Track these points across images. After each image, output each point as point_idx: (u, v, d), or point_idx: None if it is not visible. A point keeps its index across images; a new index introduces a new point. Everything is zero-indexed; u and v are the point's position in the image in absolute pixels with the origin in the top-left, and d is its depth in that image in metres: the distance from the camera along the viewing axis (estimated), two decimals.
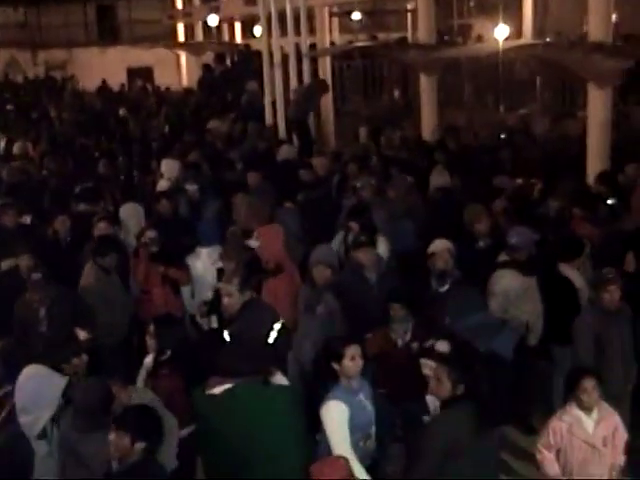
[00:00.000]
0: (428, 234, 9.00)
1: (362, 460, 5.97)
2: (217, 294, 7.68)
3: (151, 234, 9.55)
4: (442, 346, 6.72)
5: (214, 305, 7.68)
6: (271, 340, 6.99)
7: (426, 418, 6.42)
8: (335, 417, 5.97)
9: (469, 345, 6.56)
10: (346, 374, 6.15)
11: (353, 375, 6.17)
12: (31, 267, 8.79)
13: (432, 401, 6.33)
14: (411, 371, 6.67)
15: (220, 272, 8.97)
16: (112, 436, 5.51)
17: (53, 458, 5.98)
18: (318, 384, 6.34)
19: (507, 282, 8.25)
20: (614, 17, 13.77)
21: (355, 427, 6.02)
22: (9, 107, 25.13)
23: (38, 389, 5.89)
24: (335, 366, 6.16)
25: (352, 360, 6.15)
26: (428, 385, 6.12)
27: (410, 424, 6.50)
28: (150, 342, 7.01)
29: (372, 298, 7.95)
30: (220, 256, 8.99)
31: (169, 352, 6.89)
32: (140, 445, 5.42)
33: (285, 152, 14.71)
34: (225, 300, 7.17)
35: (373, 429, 6.25)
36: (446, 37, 23.10)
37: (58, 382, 5.94)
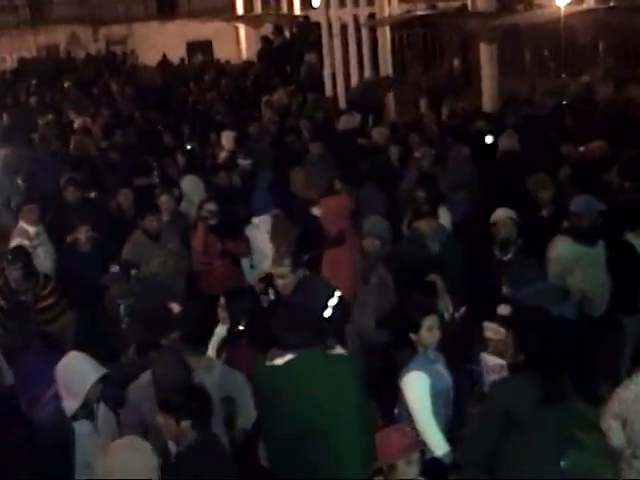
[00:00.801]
0: (491, 201, 8.93)
1: (444, 427, 6.02)
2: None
3: (210, 207, 9.55)
4: (504, 310, 6.65)
5: (269, 281, 7.70)
6: (327, 315, 7.02)
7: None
8: (417, 388, 5.98)
9: (536, 310, 6.42)
10: (423, 344, 6.13)
11: (430, 345, 6.15)
12: (89, 239, 8.95)
13: (490, 360, 6.34)
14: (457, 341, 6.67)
15: None
16: (160, 419, 5.56)
17: (96, 439, 6.01)
18: (393, 355, 6.35)
19: (561, 249, 8.20)
20: None
21: (436, 396, 6.02)
22: (66, 84, 25.33)
23: (69, 378, 5.95)
24: (413, 337, 6.13)
25: (429, 331, 6.12)
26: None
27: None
28: (222, 314, 7.03)
29: (432, 268, 7.86)
30: (270, 240, 9.06)
31: (243, 323, 6.92)
32: (186, 424, 5.41)
33: (345, 122, 14.67)
34: (279, 282, 7.21)
35: (451, 396, 6.24)
36: (512, 6, 22.79)
37: (89, 374, 5.97)
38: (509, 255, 7.89)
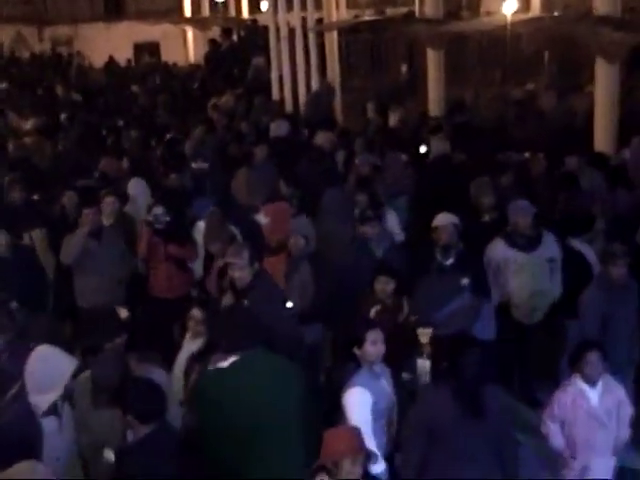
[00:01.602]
0: (429, 205, 9.04)
1: (385, 446, 6.05)
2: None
3: (157, 211, 9.48)
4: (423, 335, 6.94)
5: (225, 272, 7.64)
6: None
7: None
8: (357, 403, 5.95)
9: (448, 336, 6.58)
10: (368, 359, 6.12)
11: (375, 360, 6.14)
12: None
13: (422, 365, 6.46)
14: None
15: (207, 253, 9.02)
16: (117, 411, 5.58)
17: (62, 435, 6.00)
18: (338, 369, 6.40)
19: (494, 251, 8.36)
20: None
21: (378, 412, 6.02)
22: (3, 85, 25.05)
23: (46, 371, 5.89)
24: (356, 351, 6.13)
25: (373, 345, 6.11)
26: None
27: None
28: (196, 328, 6.96)
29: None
30: (203, 237, 9.03)
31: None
32: (131, 418, 5.41)
33: (275, 129, 14.64)
34: (236, 274, 7.17)
35: (395, 414, 6.23)
36: (459, 12, 22.98)
37: (67, 365, 5.95)
38: (450, 260, 7.95)
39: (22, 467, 4.94)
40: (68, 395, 5.97)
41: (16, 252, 9.13)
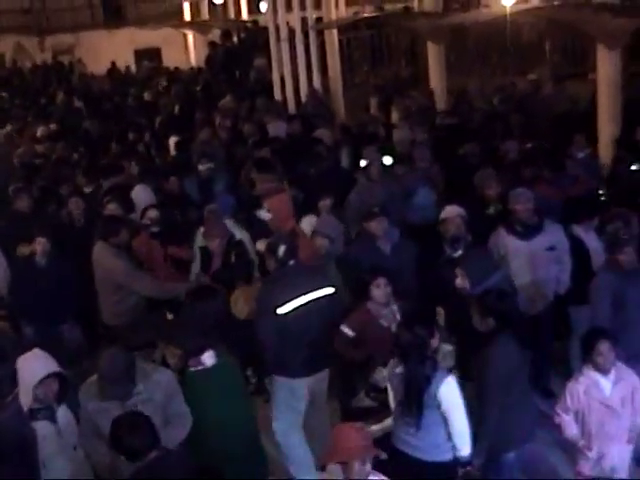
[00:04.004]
0: None
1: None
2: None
3: (152, 214, 9.55)
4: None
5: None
6: None
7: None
8: (457, 391, 6.00)
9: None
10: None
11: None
12: (47, 251, 8.90)
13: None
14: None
15: (203, 250, 9.02)
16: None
17: (61, 440, 6.03)
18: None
19: (496, 239, 8.35)
20: None
21: None
22: (4, 95, 25.16)
23: (23, 374, 5.94)
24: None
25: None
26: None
27: None
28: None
29: (387, 268, 7.86)
30: (203, 234, 9.03)
31: None
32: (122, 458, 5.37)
33: (272, 130, 14.63)
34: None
35: None
36: (456, 6, 22.98)
37: (38, 370, 5.91)
38: (459, 252, 7.92)
39: None
40: (50, 402, 5.97)
41: (52, 261, 9.16)
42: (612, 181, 10.19)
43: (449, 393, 5.93)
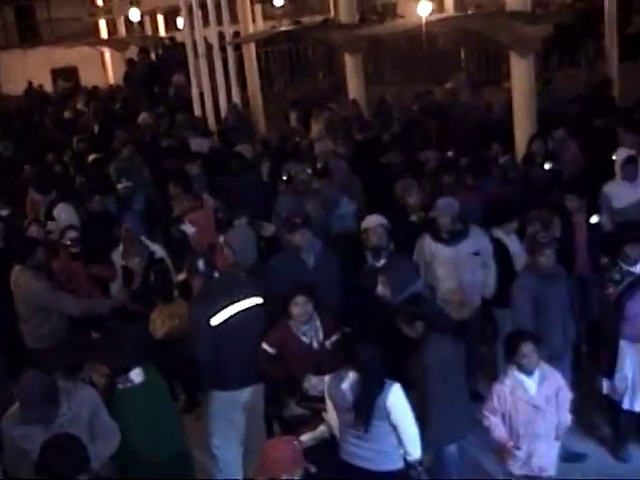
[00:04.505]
0: None
1: None
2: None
3: (71, 234, 9.49)
4: None
5: None
6: None
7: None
8: (404, 397, 6.14)
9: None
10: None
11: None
12: None
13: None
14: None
15: (124, 269, 8.99)
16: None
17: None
18: None
19: (421, 246, 8.46)
20: None
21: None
22: None
23: None
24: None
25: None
26: None
27: None
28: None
29: (311, 281, 7.83)
30: (122, 254, 8.98)
31: None
32: None
33: (194, 145, 14.61)
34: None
35: None
36: (377, 17, 23.26)
37: None
38: (382, 261, 7.96)
39: None
40: None
41: None
42: (527, 183, 10.37)
43: (397, 402, 6.03)
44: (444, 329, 6.60)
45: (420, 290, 7.28)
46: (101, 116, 20.51)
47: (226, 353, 7.05)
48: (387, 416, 6.00)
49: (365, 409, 5.98)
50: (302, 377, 6.91)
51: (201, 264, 7.26)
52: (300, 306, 7.00)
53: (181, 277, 8.44)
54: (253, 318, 7.17)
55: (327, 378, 6.45)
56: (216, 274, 7.27)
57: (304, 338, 7.08)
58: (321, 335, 7.08)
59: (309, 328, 7.07)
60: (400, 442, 6.10)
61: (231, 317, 7.08)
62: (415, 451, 6.14)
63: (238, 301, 7.13)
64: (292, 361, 7.00)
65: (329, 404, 6.32)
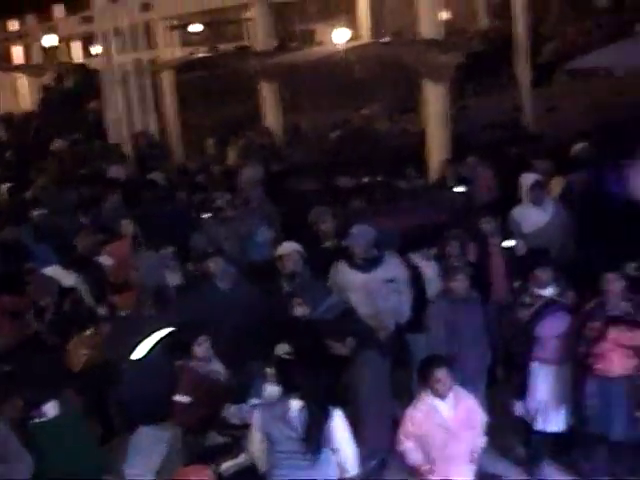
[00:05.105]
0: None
1: None
2: None
3: None
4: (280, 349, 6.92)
5: None
6: None
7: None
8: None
9: None
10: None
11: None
12: None
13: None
14: None
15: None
16: None
17: None
18: None
19: (336, 272, 8.46)
20: (445, 14, 14.16)
21: None
22: None
23: None
24: None
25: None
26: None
27: None
28: None
29: (225, 307, 7.95)
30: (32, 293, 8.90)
31: None
32: None
33: (111, 172, 14.50)
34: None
35: None
36: (294, 43, 23.35)
37: None
38: (296, 286, 7.99)
39: None
40: None
41: None
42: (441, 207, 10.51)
43: (339, 426, 6.10)
44: (373, 346, 6.70)
45: (339, 304, 7.34)
46: (15, 143, 20.25)
47: (142, 389, 6.98)
48: (330, 440, 6.07)
49: (316, 437, 6.02)
50: (221, 408, 6.90)
51: (101, 310, 7.25)
52: (203, 345, 7.04)
53: (101, 311, 8.40)
54: (164, 351, 7.13)
55: (248, 407, 6.54)
56: (122, 313, 7.23)
57: (212, 375, 7.11)
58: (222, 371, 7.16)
59: (213, 364, 7.12)
60: (338, 462, 6.18)
61: (144, 354, 7.05)
62: (353, 468, 6.23)
63: (146, 337, 7.07)
64: (209, 399, 6.98)
65: (256, 434, 6.28)
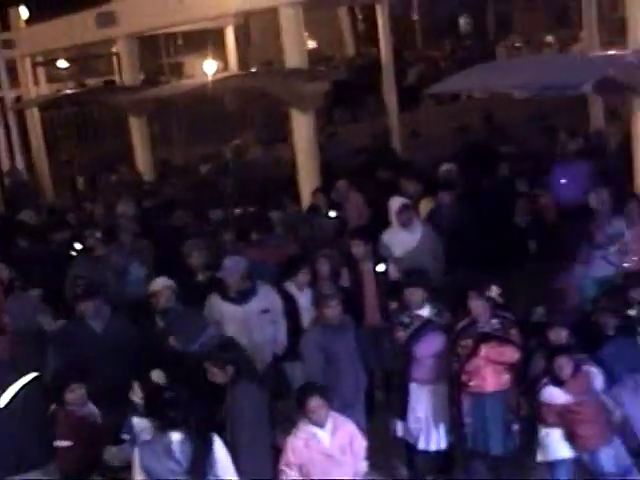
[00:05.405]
0: None
1: None
2: None
3: None
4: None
5: None
6: None
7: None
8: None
9: None
10: None
11: None
12: None
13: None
14: None
15: None
16: None
17: None
18: None
19: (210, 305, 8.47)
20: (311, 43, 14.33)
21: None
22: None
23: None
24: None
25: None
26: None
27: None
28: None
29: (99, 347, 7.89)
30: None
31: None
32: None
33: None
34: None
35: None
36: (163, 77, 23.26)
37: None
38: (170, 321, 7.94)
39: None
40: None
41: None
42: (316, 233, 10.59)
43: (222, 454, 6.08)
44: (252, 375, 6.76)
45: (217, 336, 7.34)
46: None
47: (8, 438, 6.76)
48: (213, 469, 6.01)
49: (201, 467, 5.97)
50: (102, 450, 6.81)
51: None
52: (76, 392, 6.98)
53: None
54: (33, 397, 6.95)
55: (128, 448, 6.44)
56: None
57: (90, 418, 7.07)
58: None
59: (88, 406, 7.06)
60: None
61: (13, 398, 6.84)
62: None
63: (17, 381, 6.89)
64: (89, 441, 6.92)
65: (138, 473, 6.14)
